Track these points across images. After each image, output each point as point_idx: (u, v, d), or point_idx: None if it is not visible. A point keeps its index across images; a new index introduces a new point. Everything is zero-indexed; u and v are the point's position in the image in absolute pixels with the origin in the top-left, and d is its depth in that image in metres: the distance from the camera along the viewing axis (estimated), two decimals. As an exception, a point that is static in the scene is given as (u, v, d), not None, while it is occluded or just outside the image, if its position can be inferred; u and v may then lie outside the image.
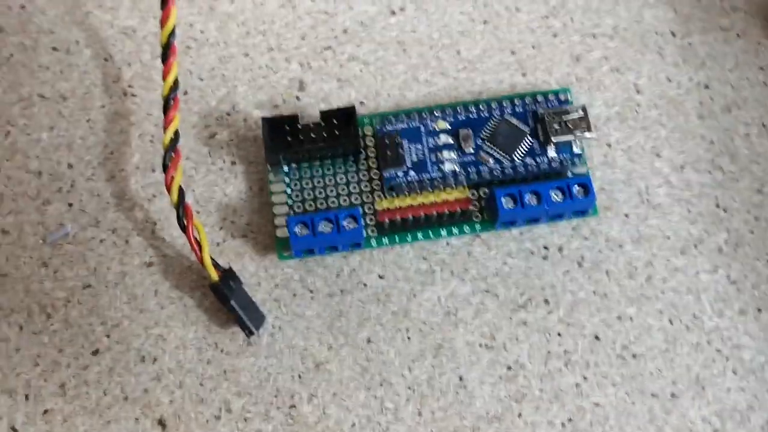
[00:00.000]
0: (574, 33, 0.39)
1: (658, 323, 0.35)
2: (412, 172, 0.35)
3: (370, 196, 0.35)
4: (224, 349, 0.35)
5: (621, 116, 0.38)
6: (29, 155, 0.37)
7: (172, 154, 0.33)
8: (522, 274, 0.36)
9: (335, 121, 0.35)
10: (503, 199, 0.34)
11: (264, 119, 0.35)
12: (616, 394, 0.34)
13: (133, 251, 0.36)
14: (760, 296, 0.35)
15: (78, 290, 0.35)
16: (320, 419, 0.34)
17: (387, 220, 0.34)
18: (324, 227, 0.33)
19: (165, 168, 0.33)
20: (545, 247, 0.36)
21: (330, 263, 0.36)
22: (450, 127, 0.36)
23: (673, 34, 0.39)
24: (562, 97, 0.36)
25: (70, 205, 0.36)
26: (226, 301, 0.33)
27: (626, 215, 0.36)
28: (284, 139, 0.35)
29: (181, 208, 0.33)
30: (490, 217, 0.35)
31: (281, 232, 0.35)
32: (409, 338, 0.35)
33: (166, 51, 0.33)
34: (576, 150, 0.36)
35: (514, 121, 0.36)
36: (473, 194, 0.35)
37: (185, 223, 0.33)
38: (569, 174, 0.36)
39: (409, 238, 0.35)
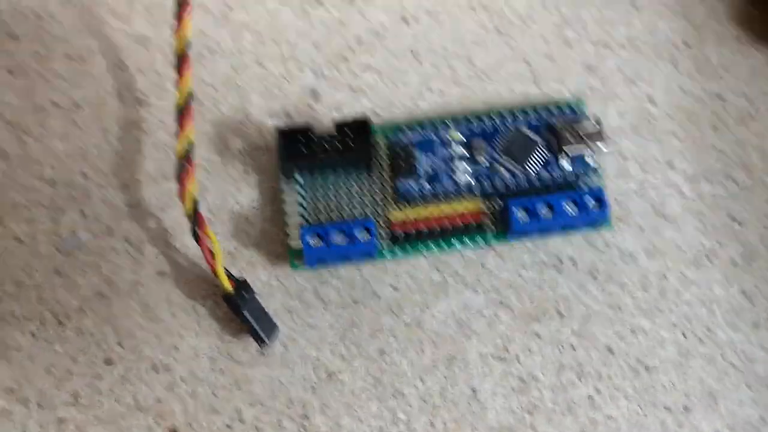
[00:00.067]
0: (587, 43, 0.39)
1: (671, 336, 0.35)
2: (425, 183, 0.35)
3: (384, 206, 0.35)
4: (237, 359, 0.35)
5: (634, 127, 0.37)
6: (43, 163, 0.37)
7: (186, 164, 0.33)
8: (535, 285, 0.36)
9: (349, 132, 0.35)
10: (516, 211, 0.34)
11: (278, 130, 0.35)
12: (628, 406, 0.34)
13: (147, 260, 0.36)
14: (774, 309, 0.35)
15: (91, 299, 0.35)
16: (332, 430, 0.34)
17: (400, 231, 0.34)
18: (337, 238, 0.33)
19: (179, 178, 0.33)
20: (559, 259, 0.36)
21: (343, 274, 0.36)
22: (464, 138, 0.36)
23: (688, 45, 0.39)
24: (576, 108, 0.36)
25: (84, 213, 0.36)
26: (239, 312, 0.33)
27: (640, 227, 0.36)
28: (298, 150, 0.35)
29: (194, 218, 0.33)
30: (503, 228, 0.35)
31: (294, 243, 0.35)
32: (422, 349, 0.35)
33: (181, 61, 0.33)
34: (589, 161, 0.35)
35: (528, 132, 0.36)
36: (486, 205, 0.35)
37: (199, 233, 0.33)
38: (583, 185, 0.36)
39: (422, 249, 0.35)
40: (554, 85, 0.38)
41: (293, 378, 0.34)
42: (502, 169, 0.35)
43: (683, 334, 0.35)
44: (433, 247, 0.35)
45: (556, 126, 0.35)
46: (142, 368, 0.34)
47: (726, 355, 0.35)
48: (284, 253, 0.36)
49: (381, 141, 0.36)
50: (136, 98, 0.38)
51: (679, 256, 0.36)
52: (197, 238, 0.33)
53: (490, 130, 0.36)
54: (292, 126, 0.35)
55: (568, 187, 0.36)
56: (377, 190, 0.36)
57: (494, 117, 0.36)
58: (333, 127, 0.35)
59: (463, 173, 0.35)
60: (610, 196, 0.36)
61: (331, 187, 0.36)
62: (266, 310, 0.34)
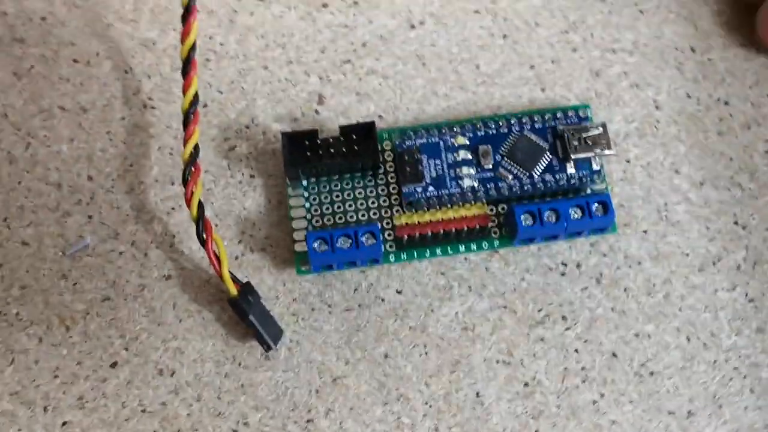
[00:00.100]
0: (593, 48, 0.39)
1: (675, 341, 0.35)
2: (431, 188, 0.35)
3: (389, 211, 0.35)
4: (242, 363, 0.35)
5: (640, 132, 0.38)
6: (49, 167, 0.37)
7: (192, 168, 0.33)
8: (540, 290, 0.36)
9: (354, 136, 0.35)
10: (522, 217, 0.34)
11: (283, 134, 0.35)
12: (633, 411, 0.34)
13: (152, 264, 0.36)
14: (778, 315, 0.35)
15: (97, 303, 0.35)
16: (337, 434, 0.34)
17: (405, 236, 0.34)
18: (343, 243, 0.34)
19: (185, 182, 0.33)
20: (563, 264, 0.36)
21: (348, 278, 0.36)
22: (469, 143, 0.36)
23: (693, 50, 0.39)
24: (581, 113, 0.36)
25: (90, 217, 0.36)
26: (245, 317, 0.33)
27: (645, 232, 0.36)
28: (303, 154, 0.35)
29: (200, 222, 0.33)
30: (508, 233, 0.35)
31: (300, 247, 0.35)
32: (426, 353, 0.35)
33: (187, 65, 0.33)
34: (595, 167, 0.36)
35: (534, 137, 0.36)
36: (492, 210, 0.35)
37: (205, 237, 0.33)
38: (588, 191, 0.36)
39: (427, 254, 0.35)
40: (560, 90, 0.38)
41: (298, 382, 0.34)
42: (507, 174, 0.35)
43: (687, 339, 0.35)
44: (438, 252, 0.35)
45: (562, 132, 0.35)
46: (147, 372, 0.35)
47: (730, 361, 0.35)
48: (290, 257, 0.36)
49: (386, 146, 0.36)
50: (143, 102, 0.38)
51: (684, 261, 0.36)
52: (203, 242, 0.33)
53: (496, 135, 0.36)
54: (297, 130, 0.35)
55: (574, 192, 0.36)
56: (383, 195, 0.36)
57: (500, 122, 0.36)
58: (338, 131, 0.35)
59: (469, 178, 0.35)
60: (615, 201, 0.36)
61: (336, 191, 0.36)
62: (271, 314, 0.35)
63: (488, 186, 0.35)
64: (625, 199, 0.37)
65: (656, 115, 0.38)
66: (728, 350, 0.35)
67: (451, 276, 0.36)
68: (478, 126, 0.36)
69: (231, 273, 0.33)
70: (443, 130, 0.36)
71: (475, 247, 0.35)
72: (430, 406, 0.34)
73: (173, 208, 0.36)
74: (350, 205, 0.36)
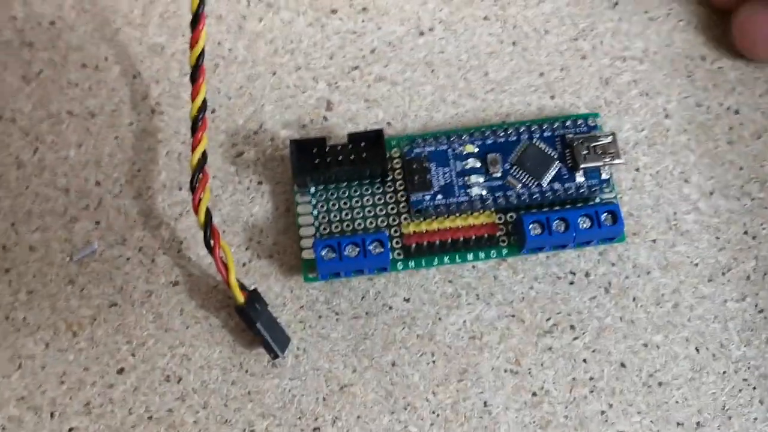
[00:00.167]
0: (603, 56, 0.39)
1: (684, 351, 0.35)
2: (439, 196, 0.35)
3: (397, 218, 0.35)
4: (249, 370, 0.35)
5: (650, 140, 0.37)
6: (57, 172, 0.37)
7: (200, 174, 0.33)
8: (548, 299, 0.35)
9: (363, 144, 0.35)
10: (531, 226, 0.34)
11: (292, 141, 0.35)
12: (641, 422, 0.34)
13: (159, 270, 0.36)
14: (788, 326, 0.35)
15: (104, 308, 0.35)
16: (344, 443, 0.34)
17: (413, 244, 0.34)
18: (350, 251, 0.33)
19: (192, 189, 0.33)
20: (572, 273, 0.36)
21: (355, 285, 0.35)
22: (478, 151, 0.36)
23: (703, 59, 0.39)
24: (591, 122, 0.36)
25: (97, 222, 0.36)
26: (252, 324, 0.33)
27: (654, 241, 0.36)
28: (311, 161, 0.35)
29: (208, 229, 0.33)
30: (516, 242, 0.35)
31: (307, 254, 0.35)
32: (434, 362, 0.35)
33: (195, 72, 0.33)
34: (604, 176, 0.35)
35: (543, 145, 0.36)
36: (500, 219, 0.35)
37: (212, 244, 0.33)
38: (597, 200, 0.36)
39: (435, 262, 0.35)
40: (569, 97, 0.38)
41: (305, 390, 0.34)
42: (516, 183, 0.35)
43: (696, 350, 0.35)
44: (446, 260, 0.35)
45: (572, 141, 0.35)
46: (154, 378, 0.34)
47: (740, 372, 0.35)
48: (297, 264, 0.36)
49: (395, 153, 0.36)
50: (151, 107, 0.38)
51: (693, 271, 0.36)
52: (210, 249, 0.33)
53: (504, 143, 0.36)
54: (306, 137, 0.35)
55: (583, 201, 0.35)
56: (391, 202, 0.36)
57: (509, 130, 0.36)
58: (347, 138, 0.35)
59: (477, 187, 0.35)
60: (624, 210, 0.36)
61: (344, 198, 0.36)
62: (278, 321, 0.34)
63: (497, 194, 0.35)
64: (635, 208, 0.36)
65: (666, 123, 0.38)
66: (737, 361, 0.35)
67: (459, 284, 0.36)
68: (487, 134, 0.36)
69: (238, 280, 0.33)
70: (452, 138, 0.36)
71: (483, 256, 0.35)
72: (438, 415, 0.34)
73: (181, 214, 0.36)
74: (358, 213, 0.35)
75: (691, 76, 0.38)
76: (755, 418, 0.34)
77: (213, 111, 0.37)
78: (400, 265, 0.35)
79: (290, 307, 0.35)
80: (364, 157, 0.35)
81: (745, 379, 0.35)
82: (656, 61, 0.38)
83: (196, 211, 0.33)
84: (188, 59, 0.33)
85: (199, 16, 0.32)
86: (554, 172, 0.35)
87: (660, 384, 0.35)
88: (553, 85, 0.38)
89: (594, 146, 0.35)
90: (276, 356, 0.34)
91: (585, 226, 0.34)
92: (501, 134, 0.36)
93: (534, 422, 0.34)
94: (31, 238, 0.36)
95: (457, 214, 0.35)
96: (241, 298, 0.33)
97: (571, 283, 0.36)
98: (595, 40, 0.39)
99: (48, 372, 0.35)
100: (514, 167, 0.35)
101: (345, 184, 0.36)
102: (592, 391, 0.34)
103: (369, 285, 0.36)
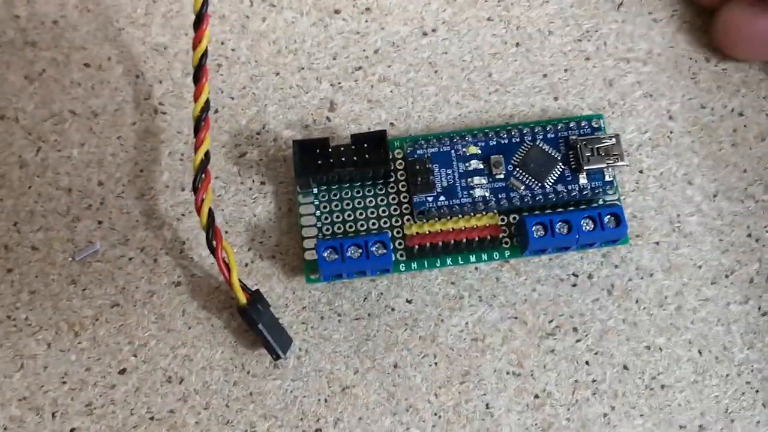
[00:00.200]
0: (607, 57, 0.38)
1: (687, 354, 0.35)
2: (442, 197, 0.35)
3: (399, 220, 0.35)
4: (251, 371, 0.35)
5: (653, 142, 0.37)
6: (59, 172, 0.37)
7: (203, 175, 0.33)
8: (551, 301, 0.35)
9: (366, 145, 0.35)
10: (534, 228, 0.34)
11: (295, 142, 0.35)
12: (643, 425, 0.34)
13: (162, 270, 0.36)
14: (791, 329, 0.35)
15: (106, 308, 0.35)
16: (346, 444, 0.34)
17: (416, 245, 0.34)
18: (353, 253, 0.33)
19: (195, 190, 0.33)
20: (575, 275, 0.36)
21: (358, 287, 0.35)
22: (481, 152, 0.36)
23: (708, 60, 0.38)
24: (594, 123, 0.36)
25: (100, 222, 0.36)
26: (254, 325, 0.33)
27: (657, 243, 0.36)
28: (314, 162, 0.35)
29: (210, 230, 0.33)
30: (519, 243, 0.35)
31: (310, 256, 0.35)
32: (436, 364, 0.35)
33: (198, 72, 0.33)
34: (608, 178, 0.35)
35: (546, 147, 0.36)
36: (503, 220, 0.35)
37: (214, 245, 0.33)
38: (600, 201, 0.35)
39: (437, 263, 0.35)
40: (572, 99, 0.38)
41: (307, 391, 0.34)
42: (519, 185, 0.35)
43: (699, 352, 0.35)
44: (449, 261, 0.35)
45: (575, 142, 0.35)
46: (156, 379, 0.34)
47: (743, 375, 0.35)
48: (300, 265, 0.35)
49: (398, 154, 0.36)
50: (153, 107, 0.38)
51: (697, 274, 0.36)
52: (213, 250, 0.33)
53: (508, 145, 0.36)
54: (309, 138, 0.35)
55: (586, 202, 0.35)
56: (393, 204, 0.36)
57: (512, 131, 0.36)
58: (350, 139, 0.35)
59: (480, 188, 0.35)
60: (627, 212, 0.36)
61: (347, 199, 0.36)
62: (281, 322, 0.34)
63: (500, 196, 0.35)
64: (638, 210, 0.36)
65: (670, 125, 0.37)
66: (740, 364, 0.35)
67: (462, 286, 0.35)
68: (490, 135, 0.36)
69: (240, 281, 0.33)
70: (455, 139, 0.36)
71: (485, 258, 0.35)
72: (440, 417, 0.34)
73: (183, 214, 0.36)
74: (361, 214, 0.35)
75: (695, 78, 0.38)
76: (758, 422, 0.34)
77: (216, 111, 0.37)
78: (402, 267, 0.35)
79: (292, 308, 0.35)
80: (367, 158, 0.35)
81: (748, 382, 0.35)
82: (660, 63, 0.38)
83: (199, 211, 0.33)
84: (191, 59, 0.32)
85: (203, 16, 0.32)
86: (557, 173, 0.35)
87: (662, 387, 0.34)
88: (557, 87, 0.38)
89: (597, 148, 0.35)
90: (278, 357, 0.34)
91: (588, 228, 0.34)
92: (504, 135, 0.36)
93: (536, 425, 0.34)
94: (34, 238, 0.36)
95: (460, 216, 0.35)
96: (243, 298, 0.33)
97: (574, 285, 0.36)
98: (599, 41, 0.39)
99: (50, 372, 0.35)
100: (517, 169, 0.35)
101: (348, 185, 0.36)
102: (594, 394, 0.34)
103: (371, 286, 0.35)
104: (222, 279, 0.34)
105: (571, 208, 0.35)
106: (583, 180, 0.35)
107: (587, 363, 0.35)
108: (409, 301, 0.35)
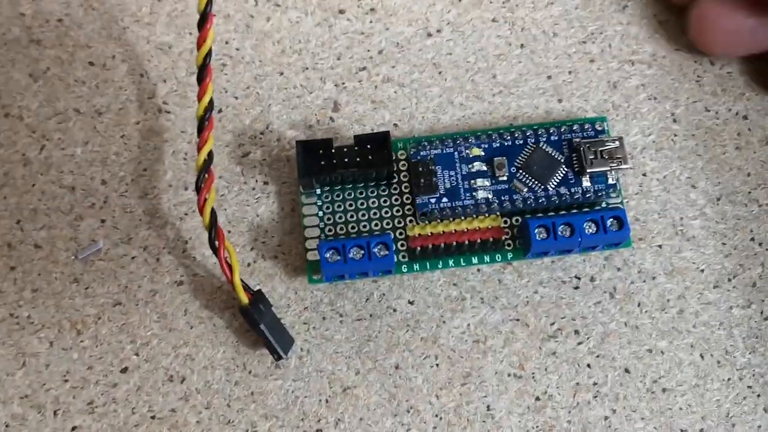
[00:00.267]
0: (611, 59, 0.38)
1: (689, 357, 0.35)
2: (445, 199, 0.35)
3: (402, 221, 0.35)
4: (252, 371, 0.35)
5: (657, 145, 0.37)
6: (63, 170, 0.37)
7: (206, 174, 0.33)
8: (553, 303, 0.35)
9: (369, 146, 0.35)
10: (536, 230, 0.34)
11: (298, 142, 0.35)
12: (645, 428, 0.34)
13: (164, 269, 0.36)
14: (793, 333, 0.35)
15: (108, 307, 0.35)
16: (346, 445, 0.34)
17: (418, 247, 0.34)
18: (355, 254, 0.33)
19: (198, 189, 0.33)
20: (577, 277, 0.36)
21: (360, 287, 0.35)
22: (484, 154, 0.36)
23: (712, 63, 0.38)
24: (598, 126, 0.36)
25: (103, 221, 0.36)
26: (256, 325, 0.33)
27: (660, 246, 0.36)
28: (317, 163, 0.35)
29: (213, 230, 0.33)
30: (522, 245, 0.35)
31: (312, 256, 0.35)
32: (437, 365, 0.35)
33: (202, 72, 0.33)
34: (611, 180, 0.35)
35: (549, 149, 0.35)
36: (506, 222, 0.35)
37: (217, 245, 0.33)
38: (603, 204, 0.35)
39: (440, 265, 0.35)
40: (577, 101, 0.38)
41: (308, 391, 0.34)
42: (522, 187, 0.35)
43: (701, 356, 0.35)
44: (451, 263, 0.35)
45: (579, 145, 0.35)
46: (157, 378, 0.34)
47: (744, 379, 0.35)
48: (302, 265, 0.35)
49: (401, 155, 0.36)
50: (157, 106, 0.38)
51: (699, 277, 0.36)
52: (215, 250, 0.33)
53: (511, 147, 0.36)
54: (312, 139, 0.35)
55: (589, 205, 0.35)
56: (396, 205, 0.35)
57: (516, 133, 0.36)
58: (353, 140, 0.35)
59: (483, 190, 0.35)
60: (630, 215, 0.36)
61: (350, 200, 0.36)
62: (282, 322, 0.34)
63: (502, 198, 0.35)
64: (641, 213, 0.36)
65: (674, 128, 0.37)
66: (742, 368, 0.35)
67: (464, 287, 0.35)
68: (494, 137, 0.36)
69: (242, 281, 0.33)
70: (458, 141, 0.36)
71: (488, 259, 0.35)
72: (441, 419, 0.34)
73: (186, 214, 0.36)
74: (363, 215, 0.35)
75: (699, 81, 0.38)
76: (759, 426, 0.34)
77: (220, 111, 0.37)
78: (404, 268, 0.35)
79: (294, 309, 0.35)
80: (371, 159, 0.35)
81: (749, 387, 0.35)
82: (665, 66, 0.38)
83: (202, 211, 0.33)
84: (195, 58, 0.32)
85: (207, 15, 0.32)
86: (560, 176, 0.35)
87: (664, 390, 0.34)
88: (561, 89, 0.38)
89: (601, 150, 0.35)
90: (279, 357, 0.34)
91: (591, 231, 0.34)
92: (507, 137, 0.36)
93: (537, 427, 0.34)
94: (37, 236, 0.36)
95: (463, 218, 0.35)
96: (245, 298, 0.33)
97: (576, 287, 0.36)
98: (603, 44, 0.39)
99: (52, 370, 0.35)
100: (521, 171, 0.35)
101: (351, 185, 0.36)
102: (595, 397, 0.34)
103: (373, 287, 0.35)
104: (224, 279, 0.34)
105: (574, 211, 0.35)
106: (586, 183, 0.35)
107: (589, 366, 0.35)
108: (411, 303, 0.35)
